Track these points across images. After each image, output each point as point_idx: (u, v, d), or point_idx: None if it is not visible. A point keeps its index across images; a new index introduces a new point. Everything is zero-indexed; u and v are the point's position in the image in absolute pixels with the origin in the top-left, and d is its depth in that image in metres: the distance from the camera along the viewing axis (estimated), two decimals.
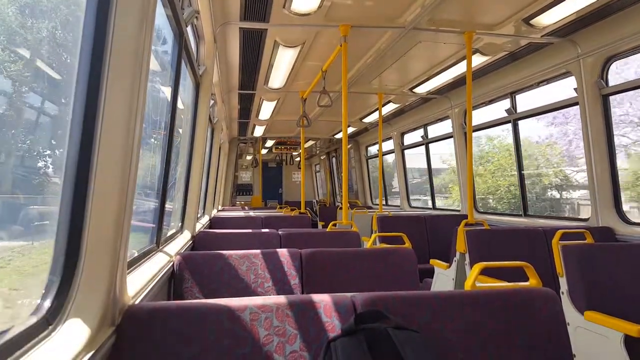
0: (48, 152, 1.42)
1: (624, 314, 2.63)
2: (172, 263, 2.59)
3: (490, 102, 5.94)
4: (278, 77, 5.80)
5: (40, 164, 1.38)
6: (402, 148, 9.12)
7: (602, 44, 3.94)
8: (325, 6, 3.68)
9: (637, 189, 8.36)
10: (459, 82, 5.93)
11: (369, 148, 11.74)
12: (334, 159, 14.79)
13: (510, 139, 6.52)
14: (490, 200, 11.90)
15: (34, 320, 1.14)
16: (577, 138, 10.08)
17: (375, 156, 9.93)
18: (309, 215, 6.77)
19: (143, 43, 1.41)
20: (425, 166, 7.84)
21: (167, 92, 3.01)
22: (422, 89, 6.41)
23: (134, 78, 1.37)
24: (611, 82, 4.07)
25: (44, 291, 1.22)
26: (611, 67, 4.06)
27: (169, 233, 3.52)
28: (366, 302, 1.54)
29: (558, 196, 11.20)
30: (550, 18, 3.83)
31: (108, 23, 1.33)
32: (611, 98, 4.12)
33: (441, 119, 7.45)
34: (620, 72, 3.97)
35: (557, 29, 4.06)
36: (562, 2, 3.52)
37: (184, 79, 3.55)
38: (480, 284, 2.11)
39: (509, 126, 5.70)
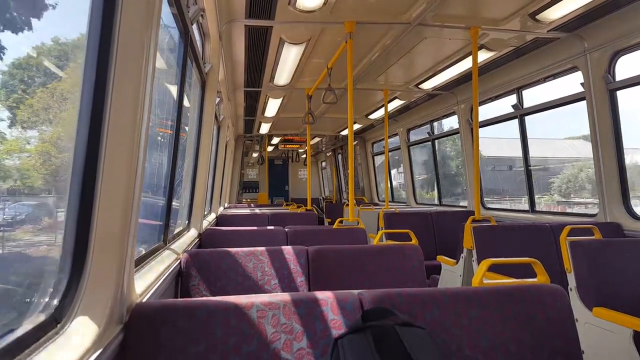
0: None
1: (633, 309, 2.61)
2: (179, 261, 2.61)
3: (497, 97, 5.90)
4: (283, 74, 5.79)
5: None
6: (408, 144, 9.10)
7: (609, 38, 3.91)
8: (331, 3, 3.67)
9: None
10: (465, 77, 5.90)
11: (375, 145, 11.72)
12: (339, 156, 14.78)
13: None
14: None
15: (42, 318, 1.14)
16: None
17: (382, 152, 9.91)
18: (315, 212, 6.77)
19: (149, 42, 1.41)
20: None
21: (173, 90, 3.02)
22: (427, 85, 6.39)
23: (140, 77, 1.37)
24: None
25: (52, 289, 1.23)
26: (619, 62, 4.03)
27: (176, 231, 3.54)
28: (373, 299, 1.53)
29: None
30: (556, 13, 3.79)
31: (114, 22, 1.33)
32: None
33: (447, 115, 7.42)
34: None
35: (563, 24, 4.03)
36: None
37: (189, 77, 3.56)
38: (488, 280, 2.10)
39: None
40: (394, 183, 11.67)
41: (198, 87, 4.06)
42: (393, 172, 11.59)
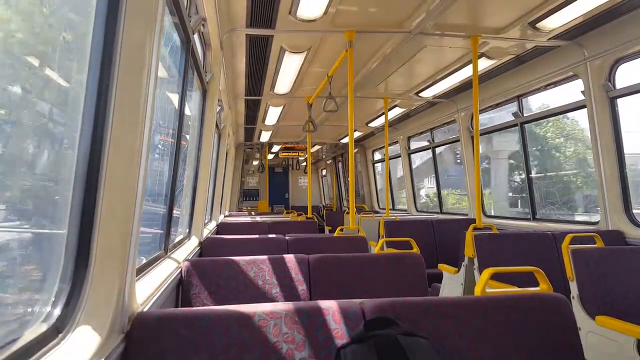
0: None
1: (637, 318, 2.60)
2: (180, 269, 2.60)
3: (497, 105, 5.92)
4: (284, 82, 5.81)
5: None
6: (408, 152, 9.11)
7: (609, 46, 3.92)
8: (331, 12, 3.69)
9: None
10: (465, 85, 5.91)
11: (375, 152, 11.73)
12: (340, 164, 14.79)
13: None
14: None
15: (44, 328, 1.14)
16: None
17: (382, 160, 9.89)
18: (316, 220, 6.76)
19: (151, 51, 1.42)
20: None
21: (174, 99, 3.03)
22: (428, 93, 6.41)
23: (143, 85, 1.38)
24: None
25: (53, 299, 1.22)
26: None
27: (177, 239, 3.53)
28: (375, 308, 1.53)
29: None
30: (556, 21, 3.81)
31: (117, 32, 1.34)
32: None
33: (447, 123, 7.44)
34: None
35: (563, 32, 4.04)
36: (568, 5, 3.51)
37: (190, 86, 3.57)
38: (490, 289, 2.09)
39: None
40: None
41: (199, 95, 4.07)
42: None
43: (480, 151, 4.84)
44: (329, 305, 1.54)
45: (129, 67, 1.36)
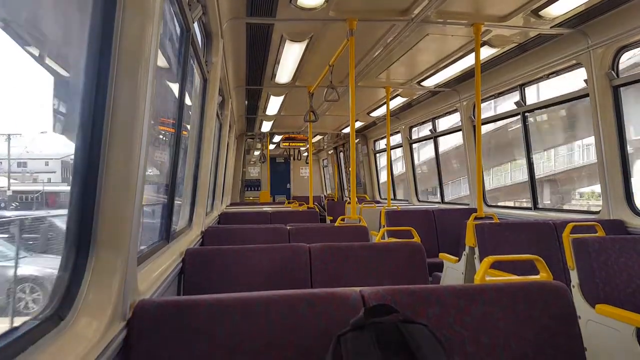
0: None
1: (636, 307, 2.60)
2: (181, 258, 2.61)
3: (500, 94, 5.89)
4: (285, 72, 5.79)
5: None
6: (410, 142, 9.09)
7: (612, 34, 3.89)
8: (332, 0, 3.67)
9: None
10: (468, 74, 5.88)
11: (377, 142, 11.69)
12: (341, 154, 14.76)
13: None
14: None
15: (46, 315, 1.15)
16: None
17: (384, 150, 9.87)
18: (317, 210, 6.77)
19: (150, 40, 1.41)
20: None
21: (175, 88, 3.01)
22: (430, 82, 6.37)
23: (142, 75, 1.37)
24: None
25: (55, 286, 1.23)
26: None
27: (178, 228, 3.54)
28: (375, 296, 1.53)
29: None
30: (559, 9, 3.78)
31: (115, 21, 1.33)
32: None
33: (449, 112, 7.41)
34: None
35: (566, 20, 4.01)
36: None
37: (191, 75, 3.56)
38: (490, 277, 2.10)
39: None
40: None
41: (200, 85, 4.05)
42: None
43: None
44: (330, 293, 1.54)
45: (127, 57, 1.35)
